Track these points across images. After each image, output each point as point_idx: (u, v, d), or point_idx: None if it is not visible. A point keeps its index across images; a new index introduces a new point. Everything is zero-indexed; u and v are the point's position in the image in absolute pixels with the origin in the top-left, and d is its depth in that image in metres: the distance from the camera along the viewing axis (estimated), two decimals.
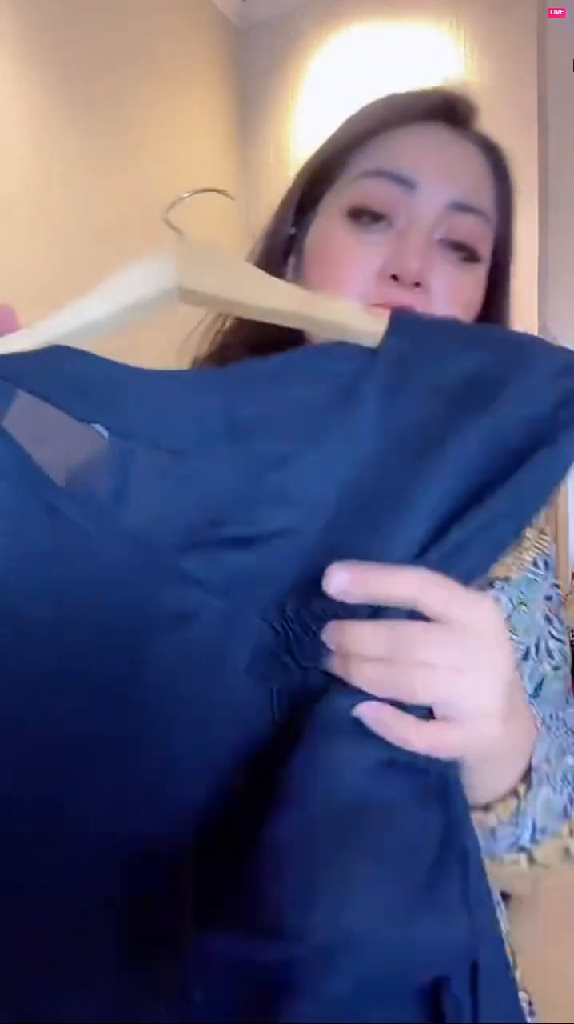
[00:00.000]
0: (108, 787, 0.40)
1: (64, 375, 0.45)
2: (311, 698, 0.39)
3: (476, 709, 0.37)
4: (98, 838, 0.39)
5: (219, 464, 0.42)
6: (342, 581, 0.37)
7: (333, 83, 3.35)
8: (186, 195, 0.58)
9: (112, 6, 2.78)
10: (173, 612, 0.40)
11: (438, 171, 0.57)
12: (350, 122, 0.67)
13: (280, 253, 0.63)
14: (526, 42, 2.92)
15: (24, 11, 2.41)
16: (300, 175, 0.67)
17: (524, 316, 3.13)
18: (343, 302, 0.50)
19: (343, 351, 0.44)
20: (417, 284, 0.55)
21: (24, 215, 2.40)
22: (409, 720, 0.37)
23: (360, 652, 0.37)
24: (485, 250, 0.60)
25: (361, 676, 0.37)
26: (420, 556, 0.39)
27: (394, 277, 0.55)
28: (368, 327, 0.44)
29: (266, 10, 3.49)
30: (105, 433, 0.44)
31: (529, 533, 0.64)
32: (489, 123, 3.16)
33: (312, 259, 0.60)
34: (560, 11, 3.00)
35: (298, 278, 0.63)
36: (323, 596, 0.39)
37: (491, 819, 0.47)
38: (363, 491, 0.41)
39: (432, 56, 3.10)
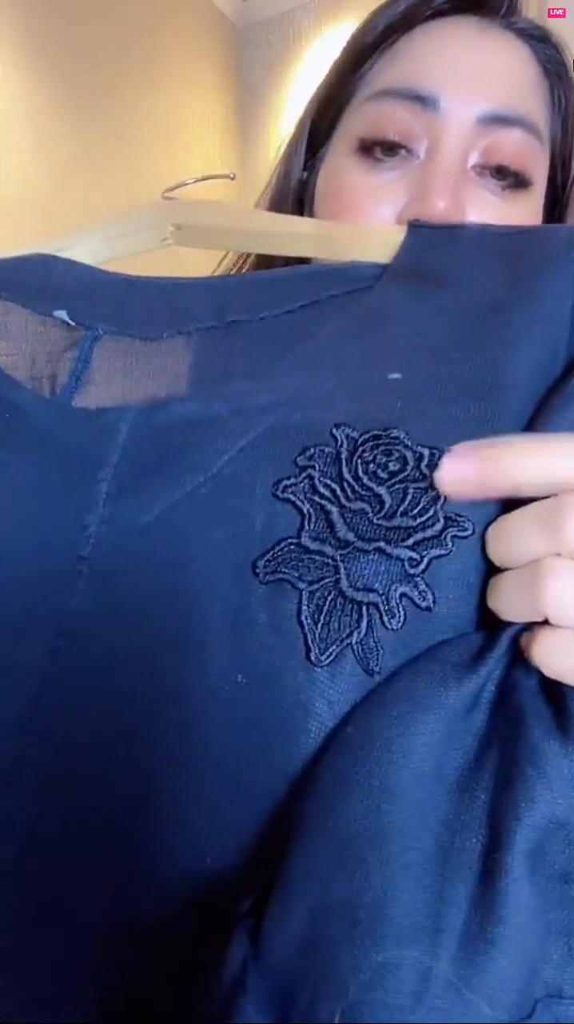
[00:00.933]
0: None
1: (36, 275, 0.43)
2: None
3: None
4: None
5: (197, 350, 0.37)
6: (468, 469, 0.27)
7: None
8: (190, 181, 0.54)
9: (112, 6, 2.78)
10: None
11: (466, 79, 0.43)
12: (358, 33, 0.50)
13: (293, 202, 0.51)
14: None
15: (24, 12, 2.41)
16: (308, 106, 0.52)
17: None
18: (365, 226, 0.44)
19: (355, 265, 0.39)
20: (452, 202, 0.43)
21: (24, 215, 2.40)
22: None
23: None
24: (538, 171, 0.46)
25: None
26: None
27: (423, 197, 0.43)
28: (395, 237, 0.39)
29: (266, 10, 3.48)
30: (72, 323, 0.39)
31: None
32: None
33: (322, 207, 0.47)
34: (560, 11, 2.98)
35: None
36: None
37: None
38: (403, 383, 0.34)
39: None
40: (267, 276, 0.42)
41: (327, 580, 0.30)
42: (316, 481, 0.31)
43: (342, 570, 0.30)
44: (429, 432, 0.32)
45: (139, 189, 2.91)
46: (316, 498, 0.31)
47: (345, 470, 0.31)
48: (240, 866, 0.30)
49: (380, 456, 0.31)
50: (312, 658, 0.29)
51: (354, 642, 0.29)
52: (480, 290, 0.35)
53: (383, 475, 0.30)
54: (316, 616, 0.29)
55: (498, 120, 0.44)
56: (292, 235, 0.42)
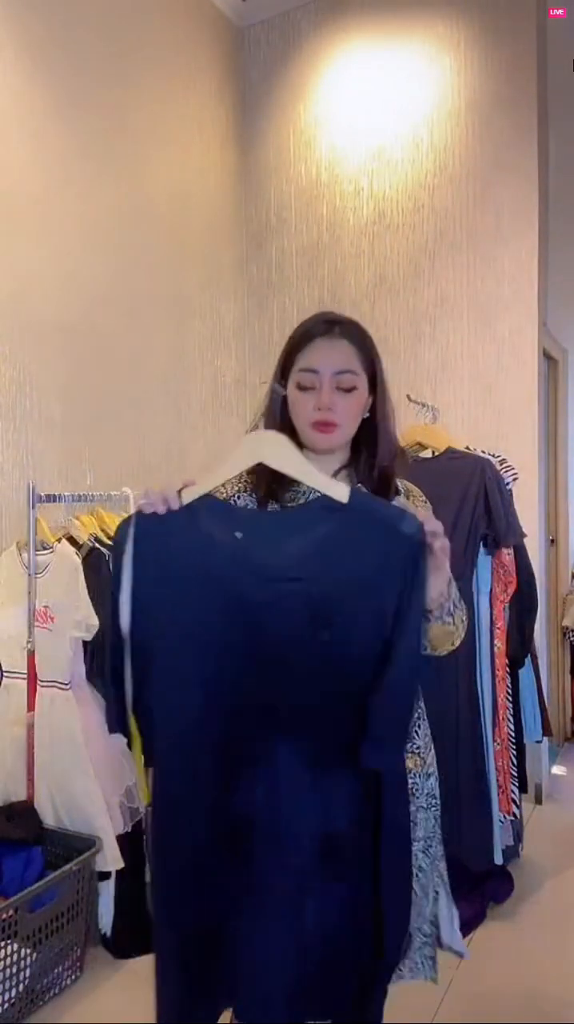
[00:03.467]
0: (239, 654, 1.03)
1: (220, 512, 1.09)
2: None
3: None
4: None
5: (263, 540, 1.06)
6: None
7: (333, 82, 3.36)
8: None
9: (113, 6, 2.78)
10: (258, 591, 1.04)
11: (327, 360, 1.21)
12: (292, 338, 1.24)
13: (279, 402, 1.26)
14: (526, 42, 2.92)
15: (25, 12, 2.41)
16: (279, 361, 1.26)
17: (524, 316, 3.13)
18: (330, 480, 1.09)
19: (326, 503, 1.06)
20: (329, 409, 1.20)
21: (25, 214, 2.40)
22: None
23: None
24: (358, 384, 1.21)
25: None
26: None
27: (318, 408, 1.20)
28: (339, 492, 1.05)
29: (266, 10, 3.49)
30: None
31: None
32: (489, 122, 3.18)
33: (291, 406, 1.24)
34: (560, 11, 2.99)
35: (288, 411, 1.25)
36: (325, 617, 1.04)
37: (443, 603, 1.14)
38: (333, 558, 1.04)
39: (431, 56, 3.10)
40: (289, 511, 1.20)
41: None
42: None
43: None
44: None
45: (138, 189, 2.92)
46: None
47: None
48: (330, 724, 1.03)
49: None
50: None
51: None
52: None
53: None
54: None
55: (340, 372, 1.20)
56: (302, 477, 1.11)
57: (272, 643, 1.02)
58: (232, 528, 1.04)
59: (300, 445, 1.21)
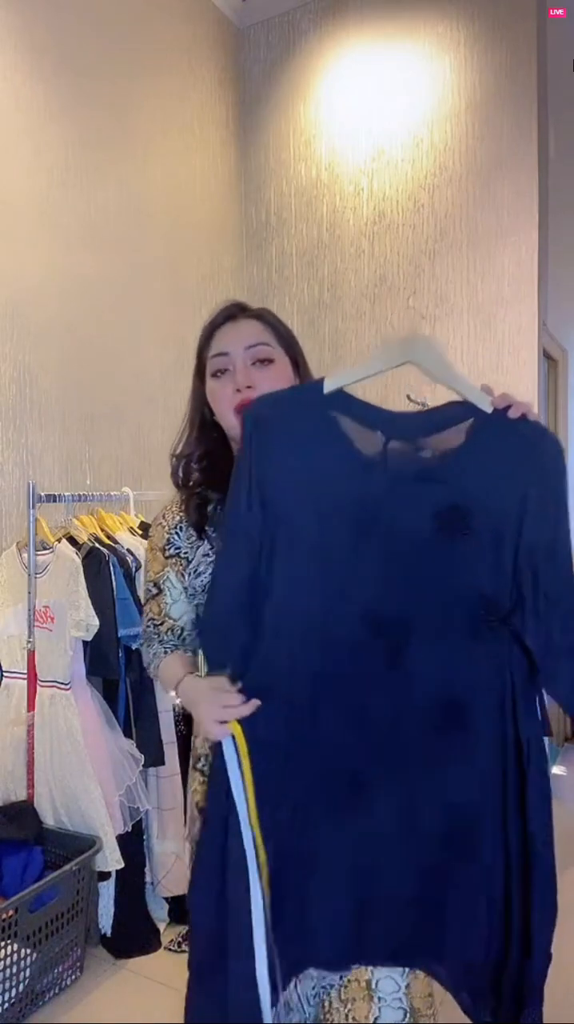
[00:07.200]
0: (367, 574, 0.98)
1: (358, 408, 1.02)
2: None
3: None
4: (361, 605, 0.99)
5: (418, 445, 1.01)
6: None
7: (333, 82, 3.36)
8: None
9: (113, 7, 2.78)
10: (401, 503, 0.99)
11: (236, 339, 1.16)
12: (205, 327, 1.21)
13: (200, 399, 1.22)
14: (526, 42, 2.92)
15: (25, 13, 2.41)
16: (195, 366, 1.23)
17: (524, 316, 3.13)
18: (476, 387, 1.02)
19: (468, 407, 1.01)
20: (248, 387, 1.13)
21: (27, 212, 2.40)
22: None
23: None
24: (275, 357, 1.16)
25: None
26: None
27: (238, 389, 1.13)
28: (484, 401, 1.01)
29: (266, 10, 3.49)
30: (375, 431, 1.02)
31: None
32: (489, 122, 3.19)
33: (210, 400, 1.18)
34: (560, 11, 3.00)
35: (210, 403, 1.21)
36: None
37: None
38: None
39: (431, 56, 3.10)
40: (431, 413, 1.04)
41: None
42: None
43: None
44: None
45: (139, 189, 2.92)
46: None
47: None
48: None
49: None
50: None
51: None
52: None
53: None
54: None
55: (251, 346, 1.15)
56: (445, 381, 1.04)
57: (405, 547, 0.97)
58: (372, 425, 0.99)
59: (228, 444, 1.17)
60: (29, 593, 2.08)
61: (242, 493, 1.00)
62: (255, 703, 0.96)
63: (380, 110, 3.22)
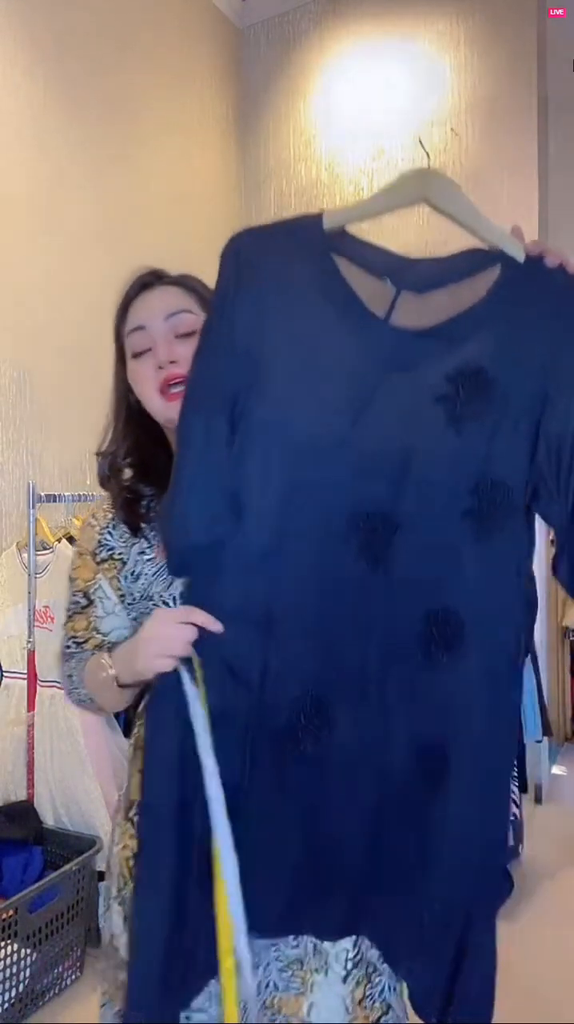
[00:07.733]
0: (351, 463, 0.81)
1: (365, 251, 0.88)
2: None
3: None
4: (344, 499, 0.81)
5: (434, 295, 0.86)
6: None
7: (333, 82, 3.36)
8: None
9: (113, 7, 2.78)
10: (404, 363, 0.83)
11: (153, 309, 1.02)
12: (119, 301, 1.07)
13: (123, 380, 1.06)
14: (526, 42, 2.92)
15: (26, 12, 2.41)
16: (114, 333, 1.07)
17: None
18: (506, 233, 0.92)
19: (493, 255, 0.88)
20: (172, 362, 0.99)
21: (27, 212, 2.40)
22: None
23: None
24: (200, 325, 0.92)
25: None
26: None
27: (160, 367, 0.99)
28: (516, 249, 0.88)
29: (266, 10, 3.49)
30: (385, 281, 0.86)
31: None
32: (489, 122, 3.18)
33: (132, 383, 1.04)
34: (560, 11, 3.00)
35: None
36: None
37: None
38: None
39: (431, 56, 3.10)
40: (442, 259, 0.90)
41: None
42: None
43: None
44: None
45: (138, 188, 2.92)
46: None
47: None
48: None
49: None
50: None
51: None
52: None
53: None
54: None
55: (171, 314, 1.01)
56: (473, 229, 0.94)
57: (408, 422, 0.79)
58: (380, 273, 0.84)
59: (162, 434, 1.02)
60: (29, 593, 2.08)
61: (219, 339, 0.83)
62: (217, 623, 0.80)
63: (380, 110, 3.22)
